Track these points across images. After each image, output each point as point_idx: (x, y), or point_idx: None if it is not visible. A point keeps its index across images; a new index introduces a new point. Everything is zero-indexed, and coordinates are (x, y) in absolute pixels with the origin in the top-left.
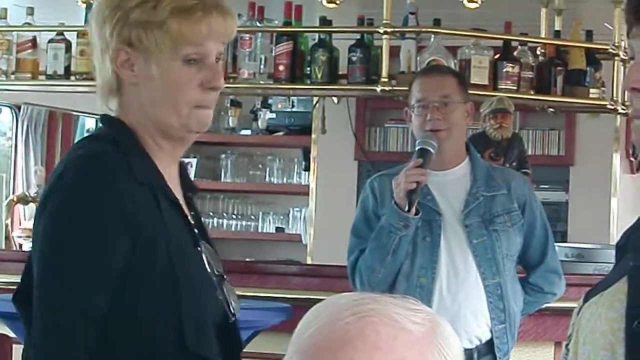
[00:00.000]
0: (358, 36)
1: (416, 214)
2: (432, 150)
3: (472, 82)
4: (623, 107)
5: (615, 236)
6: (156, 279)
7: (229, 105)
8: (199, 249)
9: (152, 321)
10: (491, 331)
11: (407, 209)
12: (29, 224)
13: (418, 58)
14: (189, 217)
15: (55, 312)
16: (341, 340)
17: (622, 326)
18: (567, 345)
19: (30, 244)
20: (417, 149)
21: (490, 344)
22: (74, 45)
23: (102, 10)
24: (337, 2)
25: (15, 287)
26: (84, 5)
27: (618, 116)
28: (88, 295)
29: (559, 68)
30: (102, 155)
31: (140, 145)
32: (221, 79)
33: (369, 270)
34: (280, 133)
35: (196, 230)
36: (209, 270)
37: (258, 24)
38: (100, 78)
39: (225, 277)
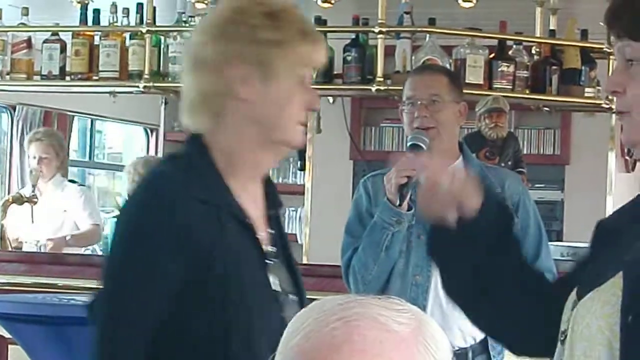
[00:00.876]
0: (353, 36)
1: (408, 209)
2: (423, 146)
3: (467, 81)
4: None
5: None
6: (209, 298)
7: None
8: (266, 267)
9: (201, 340)
10: None
11: (398, 203)
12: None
13: (413, 57)
14: (262, 236)
15: (108, 327)
16: (328, 347)
17: (618, 321)
18: (562, 340)
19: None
20: (408, 144)
21: (484, 342)
22: (69, 46)
23: (221, 24)
24: (332, 1)
25: (10, 287)
26: (79, 6)
27: (613, 115)
28: (140, 315)
29: (554, 67)
30: (164, 179)
31: (214, 165)
32: (319, 101)
33: (362, 267)
34: None
35: (271, 249)
36: (276, 289)
37: None
38: (193, 92)
39: (290, 295)
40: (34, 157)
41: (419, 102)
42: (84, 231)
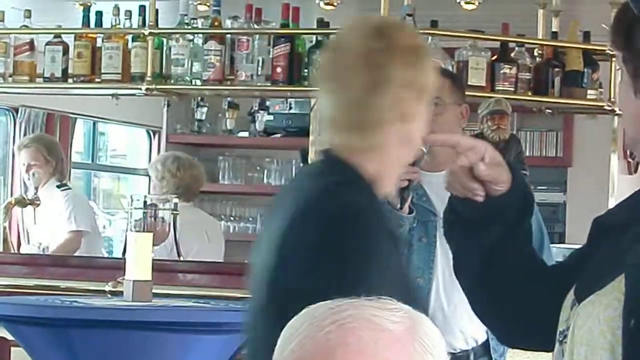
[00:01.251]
0: None
1: (409, 212)
2: (423, 149)
3: (469, 83)
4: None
5: None
6: None
7: (226, 107)
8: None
9: None
10: (487, 332)
11: (399, 206)
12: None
13: None
14: None
15: None
16: (323, 351)
17: (620, 325)
18: (560, 341)
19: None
20: None
21: (486, 345)
22: (71, 48)
23: (401, 51)
24: (335, 4)
25: (13, 290)
26: (82, 8)
27: (615, 117)
28: None
29: (557, 69)
30: (358, 209)
31: (373, 188)
32: None
33: None
34: (278, 135)
35: None
36: None
37: (255, 26)
38: (364, 111)
39: None
40: (24, 165)
41: None
42: (58, 245)
